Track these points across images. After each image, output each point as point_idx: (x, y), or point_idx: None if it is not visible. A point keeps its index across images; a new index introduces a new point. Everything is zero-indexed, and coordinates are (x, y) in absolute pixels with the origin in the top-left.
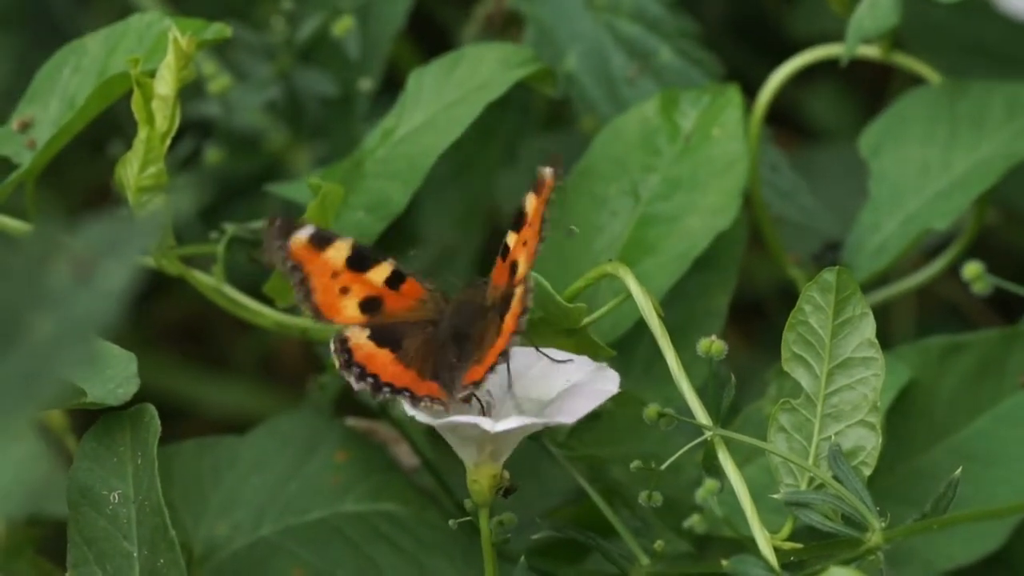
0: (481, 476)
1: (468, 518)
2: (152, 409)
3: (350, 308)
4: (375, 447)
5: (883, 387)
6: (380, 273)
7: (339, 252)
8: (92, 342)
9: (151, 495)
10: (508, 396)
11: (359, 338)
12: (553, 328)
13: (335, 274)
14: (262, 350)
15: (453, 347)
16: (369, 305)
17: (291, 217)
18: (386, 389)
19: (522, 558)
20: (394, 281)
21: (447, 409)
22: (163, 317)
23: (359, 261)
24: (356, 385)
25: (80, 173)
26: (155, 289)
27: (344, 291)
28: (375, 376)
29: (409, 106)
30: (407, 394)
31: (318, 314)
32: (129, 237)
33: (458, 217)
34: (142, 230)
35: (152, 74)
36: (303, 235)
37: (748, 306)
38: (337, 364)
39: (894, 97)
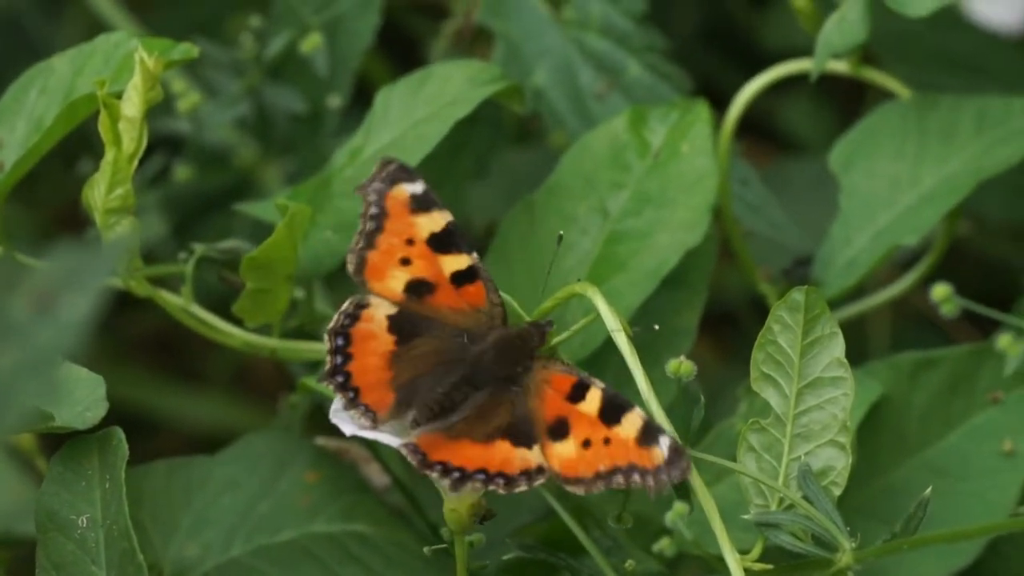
0: (460, 504)
1: (444, 545)
2: (120, 433)
3: (397, 281)
4: (346, 467)
5: (855, 403)
6: (456, 263)
7: (432, 222)
8: (53, 373)
9: (119, 519)
10: None
11: (378, 312)
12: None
13: (410, 241)
14: (235, 364)
15: (463, 386)
16: (418, 287)
17: (410, 169)
18: (340, 377)
19: None
20: (464, 277)
21: (371, 428)
22: (135, 331)
23: (444, 241)
24: (327, 354)
25: (51, 190)
26: (127, 303)
27: (404, 262)
28: (347, 357)
29: (377, 124)
30: (352, 394)
31: (360, 271)
32: (92, 266)
33: None
34: (105, 259)
35: (119, 95)
36: (408, 190)
37: (720, 317)
38: (332, 323)
39: (870, 107)
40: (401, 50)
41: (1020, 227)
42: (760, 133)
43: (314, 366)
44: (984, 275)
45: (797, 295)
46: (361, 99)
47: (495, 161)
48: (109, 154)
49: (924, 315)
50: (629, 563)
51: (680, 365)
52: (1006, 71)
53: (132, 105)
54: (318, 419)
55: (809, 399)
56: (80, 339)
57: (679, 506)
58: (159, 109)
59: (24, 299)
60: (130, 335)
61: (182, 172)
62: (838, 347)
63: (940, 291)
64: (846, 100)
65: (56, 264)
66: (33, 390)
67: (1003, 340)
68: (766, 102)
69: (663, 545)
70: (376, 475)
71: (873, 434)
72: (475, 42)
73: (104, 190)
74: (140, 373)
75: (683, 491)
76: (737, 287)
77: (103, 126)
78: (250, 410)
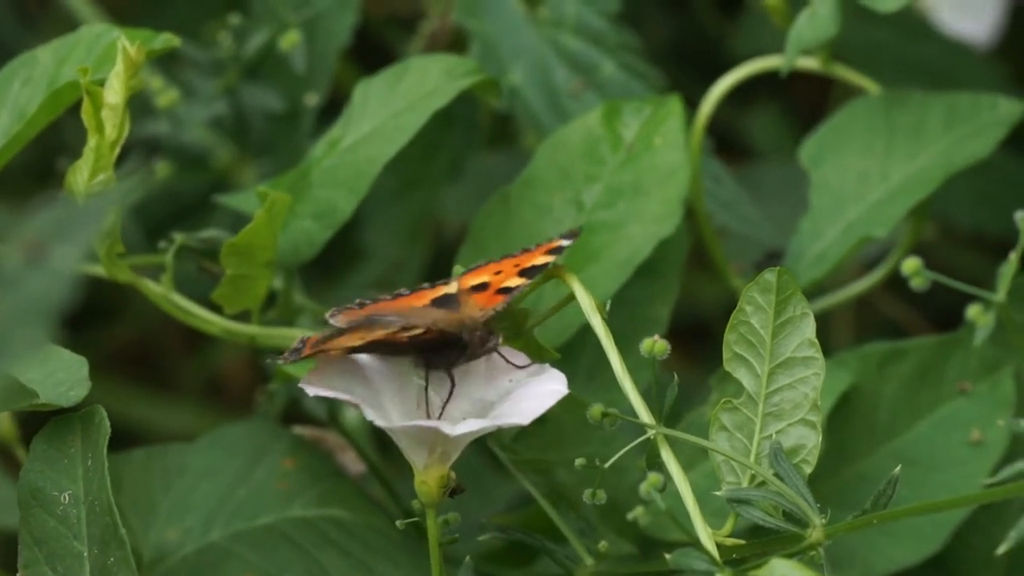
0: (429, 477)
1: (415, 519)
2: (102, 411)
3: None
4: (322, 455)
5: (824, 392)
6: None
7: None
8: (47, 322)
9: (101, 495)
10: (455, 398)
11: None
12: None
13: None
14: (207, 374)
15: None
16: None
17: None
18: None
19: (467, 557)
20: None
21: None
22: (108, 344)
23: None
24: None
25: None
26: (100, 316)
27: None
28: None
29: (355, 117)
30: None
31: None
32: (80, 220)
33: (404, 233)
34: (92, 213)
35: (101, 83)
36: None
37: (692, 326)
38: None
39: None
40: (376, 62)
41: (985, 237)
42: (725, 147)
43: None
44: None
45: (769, 276)
46: (335, 107)
47: (469, 163)
48: (92, 141)
49: (887, 319)
50: (602, 544)
51: (654, 344)
52: (974, 82)
53: (114, 93)
54: (295, 409)
55: (781, 379)
56: (71, 290)
57: (653, 476)
58: (136, 111)
59: (15, 249)
60: (103, 348)
61: (161, 169)
62: (809, 328)
63: (911, 264)
64: (807, 117)
65: (47, 215)
66: (26, 338)
67: (972, 310)
68: (730, 117)
69: (637, 513)
70: (352, 463)
71: (842, 423)
72: (450, 47)
73: (87, 175)
74: (113, 385)
75: (656, 467)
76: (709, 297)
77: (86, 113)
78: (222, 420)
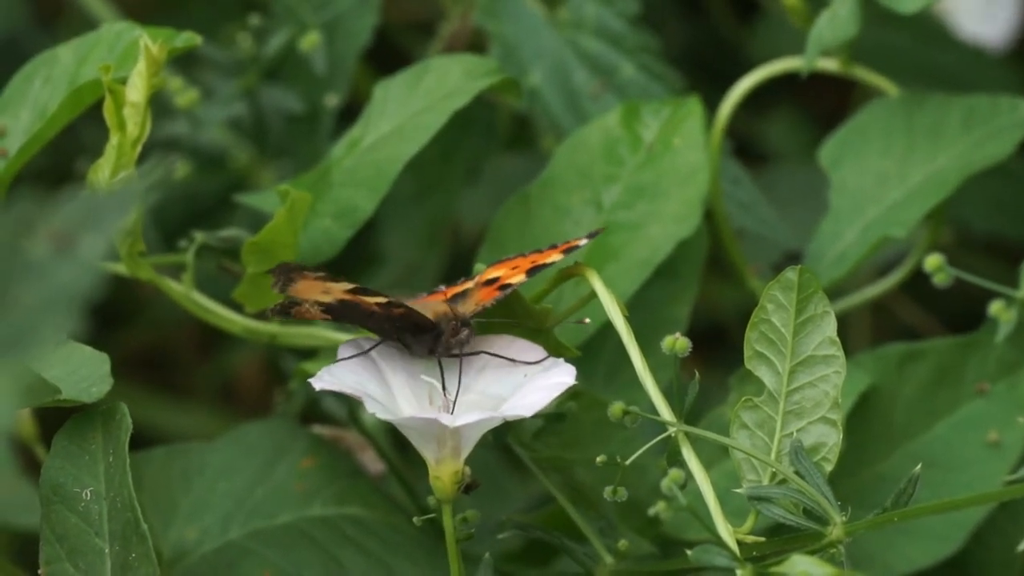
0: (443, 472)
1: (431, 515)
2: (124, 407)
3: None
4: (341, 454)
5: (842, 393)
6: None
7: None
8: (74, 312)
9: (123, 491)
10: (467, 392)
11: None
12: (520, 330)
13: None
14: (222, 378)
15: None
16: None
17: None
18: None
19: (486, 555)
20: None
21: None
22: (123, 349)
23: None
24: None
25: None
26: (116, 319)
27: None
28: None
29: (375, 116)
30: None
31: None
32: (106, 210)
33: (422, 236)
34: (119, 203)
35: (123, 81)
36: None
37: (709, 330)
38: None
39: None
40: (394, 67)
41: (1001, 243)
42: (743, 151)
43: (310, 354)
44: (967, 289)
45: (791, 274)
46: (353, 113)
47: (487, 166)
48: (114, 138)
49: (904, 325)
50: (622, 543)
51: (675, 342)
52: (991, 86)
53: (136, 91)
54: (313, 409)
55: (802, 377)
56: (98, 279)
57: (674, 472)
58: (155, 112)
59: (43, 238)
60: (118, 352)
61: (181, 168)
62: (830, 326)
63: (933, 261)
64: (826, 120)
65: (74, 205)
66: (53, 327)
67: (995, 307)
68: (749, 120)
69: (659, 508)
70: (371, 462)
71: (861, 424)
72: (470, 49)
73: (109, 173)
74: (128, 389)
75: (677, 465)
76: (725, 302)
77: (108, 111)
78: (237, 424)
